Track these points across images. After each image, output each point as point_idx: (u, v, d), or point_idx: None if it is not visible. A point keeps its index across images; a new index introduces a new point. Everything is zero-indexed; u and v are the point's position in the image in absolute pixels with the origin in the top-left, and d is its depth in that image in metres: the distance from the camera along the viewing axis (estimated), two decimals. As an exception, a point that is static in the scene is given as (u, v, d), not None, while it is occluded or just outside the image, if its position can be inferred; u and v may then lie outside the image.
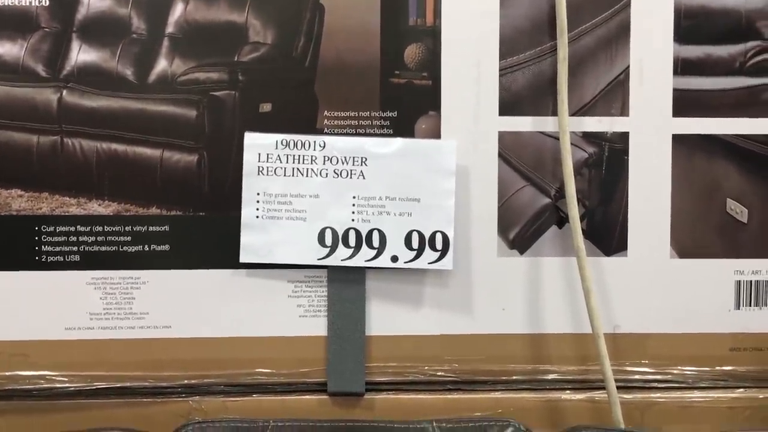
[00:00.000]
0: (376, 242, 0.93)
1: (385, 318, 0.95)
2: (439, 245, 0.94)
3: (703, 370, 0.97)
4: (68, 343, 0.91)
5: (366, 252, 0.93)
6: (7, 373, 0.90)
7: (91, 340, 0.91)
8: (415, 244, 0.94)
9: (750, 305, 0.98)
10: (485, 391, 0.96)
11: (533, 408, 0.95)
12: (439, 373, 0.96)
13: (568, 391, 0.96)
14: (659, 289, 0.97)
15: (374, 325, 0.95)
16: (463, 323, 0.96)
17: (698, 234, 0.97)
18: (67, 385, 0.91)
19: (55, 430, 0.83)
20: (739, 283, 0.98)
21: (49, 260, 0.91)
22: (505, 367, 0.96)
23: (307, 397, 0.94)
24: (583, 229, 0.96)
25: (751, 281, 0.98)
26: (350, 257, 0.93)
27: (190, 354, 0.93)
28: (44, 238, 0.91)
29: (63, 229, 0.91)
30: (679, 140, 0.97)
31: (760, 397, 0.97)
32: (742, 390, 0.97)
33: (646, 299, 0.97)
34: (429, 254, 0.93)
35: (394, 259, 0.93)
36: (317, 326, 0.94)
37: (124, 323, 0.92)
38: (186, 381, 0.92)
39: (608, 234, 0.97)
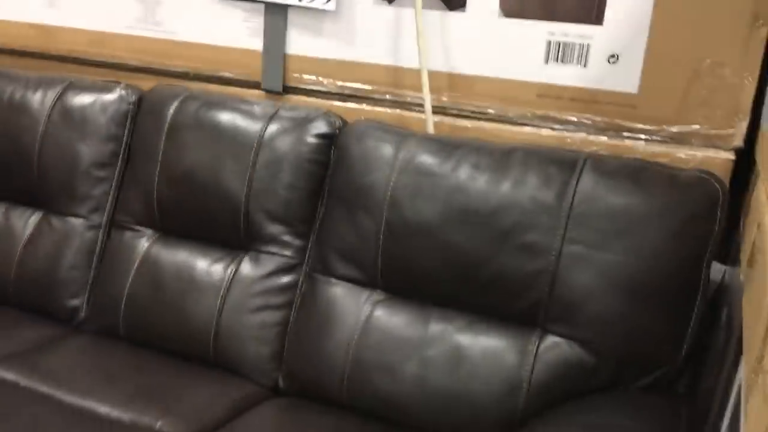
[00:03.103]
0: (291, -13, 1.34)
1: (299, 43, 1.38)
2: (329, -8, 1.31)
3: (515, 108, 1.25)
4: (126, 36, 1.51)
5: (285, -6, 1.35)
6: (93, 50, 1.54)
7: (137, 36, 1.50)
8: (314, -10, 1.32)
9: (557, 61, 1.20)
10: (359, 102, 1.36)
11: (389, 119, 1.32)
12: (329, 85, 1.37)
13: (415, 110, 1.32)
14: (488, 41, 1.24)
15: (292, 47, 1.39)
16: (348, 52, 1.35)
17: (521, -2, 1.20)
18: (127, 62, 1.52)
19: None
20: (549, 42, 1.20)
21: (114, -17, 1.49)
22: (373, 87, 1.34)
23: (250, 90, 1.43)
24: (434, -11, 1.25)
25: (559, 42, 1.19)
26: (275, -5, 1.36)
27: (185, 52, 1.46)
28: (111, -32, 1.49)
29: (121, -38, 1.48)
30: None
31: (549, 134, 1.23)
32: (536, 128, 1.23)
33: (477, 48, 1.25)
34: (322, -2, 1.32)
35: (301, -1, 1.34)
36: (258, 44, 1.41)
37: (152, 27, 1.48)
38: (180, 69, 1.48)
39: (453, -7, 1.25)
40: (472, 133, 1.28)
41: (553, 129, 1.24)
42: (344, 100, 1.37)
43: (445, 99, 1.30)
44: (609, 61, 1.18)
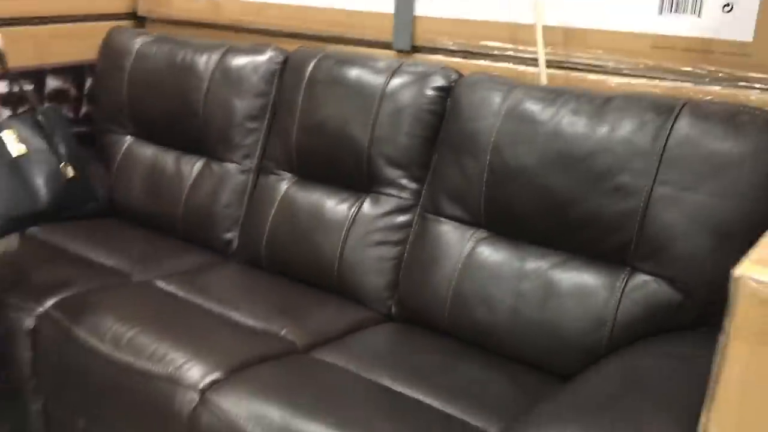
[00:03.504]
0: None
1: (426, 5, 1.48)
2: (452, -45, 1.40)
3: (628, 60, 1.27)
4: (277, 5, 1.69)
5: (413, -40, 1.46)
6: (249, 18, 1.74)
7: (286, 4, 1.68)
8: (439, -47, 1.42)
9: (671, 12, 1.21)
10: (479, 59, 1.44)
11: (507, 74, 1.39)
12: (451, 46, 1.46)
13: (531, 65, 1.38)
14: (600, -7, 1.27)
15: (420, 9, 1.49)
16: (469, 12, 1.43)
17: (637, -50, 1.22)
18: (277, 28, 1.70)
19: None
20: (664, -8, 1.21)
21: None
22: (492, 43, 1.42)
23: (381, 50, 1.56)
24: (551, -54, 1.30)
25: (673, -9, 1.20)
26: (405, -38, 1.47)
27: (325, 17, 1.62)
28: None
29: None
30: None
31: (662, 85, 1.23)
32: (649, 80, 1.25)
33: (591, 2, 1.28)
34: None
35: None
36: (390, 7, 1.53)
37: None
38: (322, 32, 1.63)
39: (568, -50, 1.29)
40: (586, 86, 1.32)
41: (666, 80, 1.25)
42: (466, 57, 1.46)
43: (559, 53, 1.34)
44: (723, 10, 1.17)
